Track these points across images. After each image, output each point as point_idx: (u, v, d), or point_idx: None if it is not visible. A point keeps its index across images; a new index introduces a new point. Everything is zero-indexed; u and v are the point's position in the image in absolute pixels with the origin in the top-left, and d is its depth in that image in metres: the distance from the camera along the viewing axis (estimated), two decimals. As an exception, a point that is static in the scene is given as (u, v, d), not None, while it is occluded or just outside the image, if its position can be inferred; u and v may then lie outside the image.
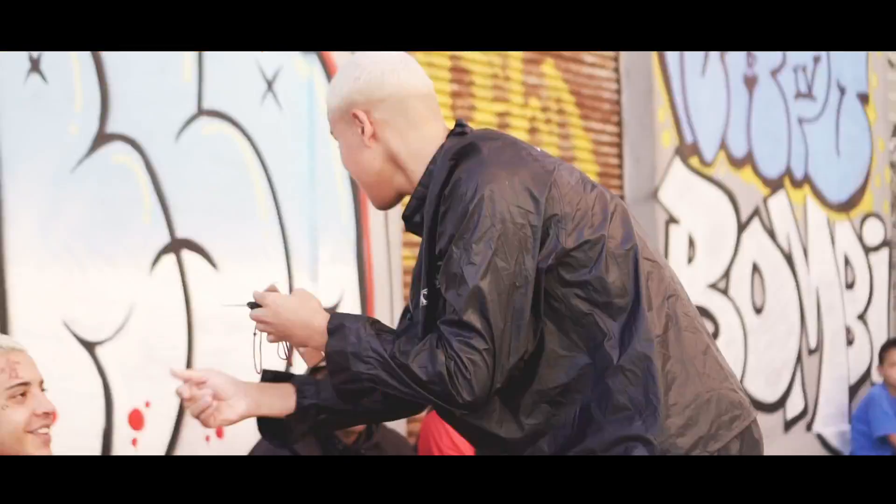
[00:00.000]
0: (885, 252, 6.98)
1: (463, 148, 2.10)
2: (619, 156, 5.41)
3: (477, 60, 4.74)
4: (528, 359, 2.07)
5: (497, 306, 2.01)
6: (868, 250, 6.83)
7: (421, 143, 2.17)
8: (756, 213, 5.98)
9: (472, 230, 2.01)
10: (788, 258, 6.19)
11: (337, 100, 2.20)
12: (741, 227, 5.89)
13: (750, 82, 5.94)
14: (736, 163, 5.85)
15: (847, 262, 6.67)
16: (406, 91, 2.18)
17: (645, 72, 5.37)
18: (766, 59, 6.06)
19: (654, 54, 5.34)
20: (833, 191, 6.55)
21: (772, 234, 6.08)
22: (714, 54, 5.71)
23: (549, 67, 5.07)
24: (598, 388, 2.05)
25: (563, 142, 5.12)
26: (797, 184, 6.28)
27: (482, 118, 4.74)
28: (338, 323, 2.09)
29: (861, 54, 6.74)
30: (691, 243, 5.57)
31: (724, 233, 5.79)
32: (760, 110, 6.00)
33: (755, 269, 5.97)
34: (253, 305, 2.14)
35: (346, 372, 2.07)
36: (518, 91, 4.92)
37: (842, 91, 6.62)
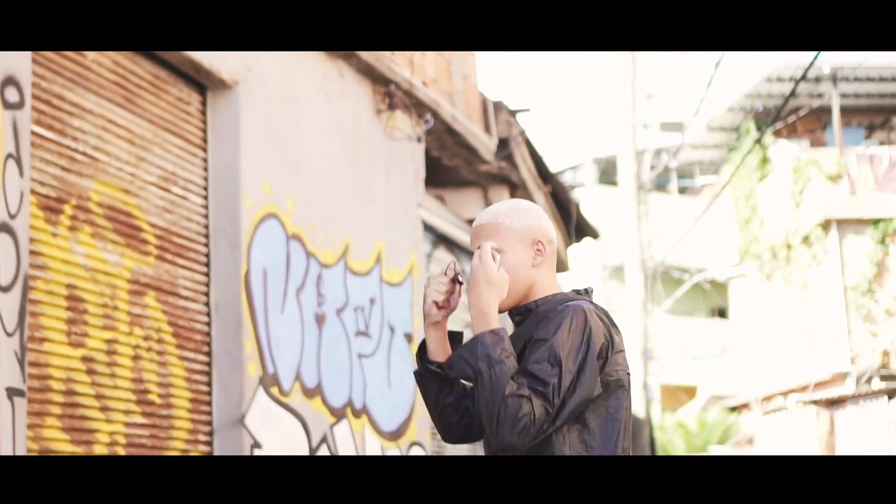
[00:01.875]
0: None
1: (577, 302, 2.92)
2: (209, 384, 5.75)
3: (90, 290, 4.98)
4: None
5: (569, 392, 2.78)
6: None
7: (553, 283, 3.02)
8: (324, 439, 6.48)
9: (578, 341, 2.82)
10: (350, 482, 6.71)
11: (520, 224, 2.99)
12: (312, 452, 6.35)
13: (320, 319, 6.53)
14: (308, 392, 6.36)
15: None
16: (557, 245, 3.08)
17: (234, 305, 5.80)
18: (333, 299, 6.69)
19: (243, 291, 5.80)
20: (385, 420, 7.20)
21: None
22: (291, 293, 6.26)
23: (151, 299, 5.39)
24: None
25: (162, 369, 5.41)
26: (357, 413, 6.88)
27: (93, 344, 4.96)
28: (501, 330, 2.81)
29: (406, 298, 7.56)
30: (272, 467, 5.95)
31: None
32: (328, 345, 6.60)
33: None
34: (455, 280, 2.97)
35: (474, 359, 2.76)
36: (125, 321, 5.19)
37: (392, 330, 7.38)
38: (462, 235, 8.91)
